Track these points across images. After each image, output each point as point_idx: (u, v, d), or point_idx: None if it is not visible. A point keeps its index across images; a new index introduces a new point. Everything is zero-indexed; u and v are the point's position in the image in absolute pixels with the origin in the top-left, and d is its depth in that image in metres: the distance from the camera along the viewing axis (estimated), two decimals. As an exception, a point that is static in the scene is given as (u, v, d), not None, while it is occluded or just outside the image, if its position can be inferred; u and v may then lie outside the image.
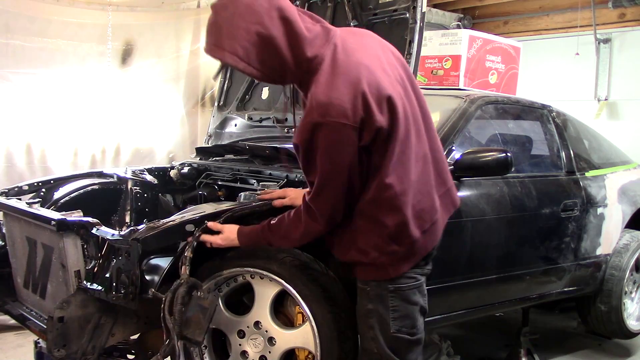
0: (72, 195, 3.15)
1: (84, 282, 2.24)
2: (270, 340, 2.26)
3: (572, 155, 3.49)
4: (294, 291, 2.19)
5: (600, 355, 3.87)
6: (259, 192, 2.52)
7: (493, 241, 2.90)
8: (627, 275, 3.63)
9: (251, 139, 3.42)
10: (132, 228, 2.22)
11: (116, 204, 3.28)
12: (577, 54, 6.33)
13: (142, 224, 2.36)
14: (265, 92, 3.43)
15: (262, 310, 2.27)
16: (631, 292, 3.81)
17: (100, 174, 3.37)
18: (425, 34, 3.05)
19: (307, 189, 1.99)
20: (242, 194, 2.57)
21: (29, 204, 2.68)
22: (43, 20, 4.72)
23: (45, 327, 2.34)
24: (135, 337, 2.48)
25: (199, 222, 2.18)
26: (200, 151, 3.50)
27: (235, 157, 3.32)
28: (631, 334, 3.80)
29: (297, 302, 2.22)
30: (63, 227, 2.30)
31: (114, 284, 2.14)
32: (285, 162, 2.80)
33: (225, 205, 2.37)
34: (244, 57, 1.80)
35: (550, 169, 3.41)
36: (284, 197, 2.34)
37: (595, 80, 6.41)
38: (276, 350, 2.25)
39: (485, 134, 3.19)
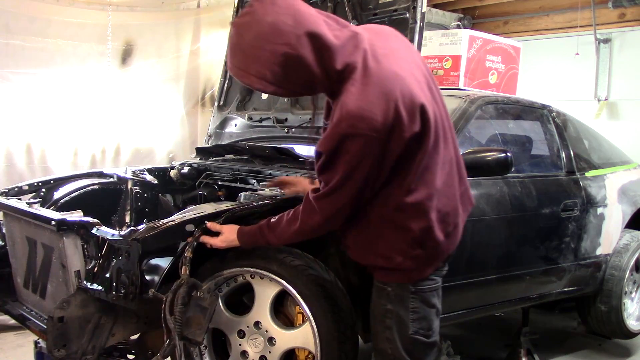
0: (72, 195, 3.15)
1: (84, 282, 2.24)
2: (270, 340, 2.26)
3: (572, 155, 3.49)
4: (294, 291, 2.20)
5: (600, 355, 3.88)
6: (258, 191, 2.52)
7: (493, 241, 2.90)
8: (627, 275, 3.63)
9: (251, 139, 3.42)
10: (132, 228, 2.22)
11: (116, 204, 3.28)
12: (577, 54, 6.32)
13: (142, 224, 2.36)
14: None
15: (262, 310, 2.27)
16: (631, 292, 3.81)
17: (100, 174, 3.37)
18: (425, 34, 3.05)
19: (313, 187, 1.98)
20: (242, 194, 2.57)
21: (29, 204, 2.67)
22: (43, 20, 4.72)
23: (45, 327, 2.34)
24: (135, 337, 2.48)
25: (199, 222, 2.18)
26: (200, 151, 3.50)
27: (235, 157, 3.32)
28: (631, 334, 3.81)
29: (297, 302, 2.22)
30: (63, 227, 2.30)
31: (114, 284, 2.14)
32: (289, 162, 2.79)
33: (225, 205, 2.37)
34: (272, 80, 1.75)
35: (550, 169, 3.41)
36: (294, 184, 2.34)
37: (595, 80, 6.41)
38: (276, 350, 2.25)
39: (485, 134, 3.20)
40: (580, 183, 3.42)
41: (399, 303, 1.96)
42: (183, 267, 2.10)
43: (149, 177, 3.35)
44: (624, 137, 5.46)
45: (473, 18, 7.28)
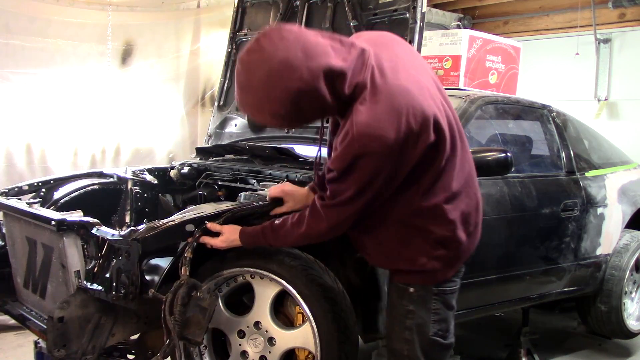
0: (72, 195, 3.14)
1: (84, 282, 2.24)
2: (270, 340, 2.26)
3: (572, 155, 3.49)
4: (294, 291, 2.19)
5: (600, 355, 3.88)
6: (258, 191, 2.52)
7: (493, 241, 2.90)
8: (627, 275, 3.63)
9: (251, 139, 3.41)
10: (132, 228, 2.22)
11: (116, 204, 3.28)
12: (577, 54, 6.32)
13: (142, 224, 2.36)
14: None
15: (262, 310, 2.27)
16: (631, 292, 3.81)
17: (100, 174, 3.36)
18: (425, 34, 3.05)
19: (319, 194, 1.97)
20: (242, 194, 2.57)
21: (29, 204, 2.67)
22: (43, 20, 4.72)
23: (45, 327, 2.34)
24: (135, 337, 2.48)
25: (199, 222, 2.18)
26: (200, 151, 3.50)
27: (235, 157, 3.32)
28: (631, 334, 3.81)
29: (297, 302, 2.22)
30: (63, 227, 2.30)
31: (114, 284, 2.14)
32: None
33: (225, 205, 2.37)
34: (287, 115, 1.73)
35: (550, 169, 3.41)
36: (281, 200, 2.28)
37: (595, 80, 6.41)
38: (276, 350, 2.25)
39: (485, 134, 3.20)
40: (580, 183, 3.42)
41: (422, 304, 1.96)
42: (183, 268, 2.10)
43: (149, 177, 3.35)
44: (624, 137, 5.46)
45: (473, 18, 7.28)
